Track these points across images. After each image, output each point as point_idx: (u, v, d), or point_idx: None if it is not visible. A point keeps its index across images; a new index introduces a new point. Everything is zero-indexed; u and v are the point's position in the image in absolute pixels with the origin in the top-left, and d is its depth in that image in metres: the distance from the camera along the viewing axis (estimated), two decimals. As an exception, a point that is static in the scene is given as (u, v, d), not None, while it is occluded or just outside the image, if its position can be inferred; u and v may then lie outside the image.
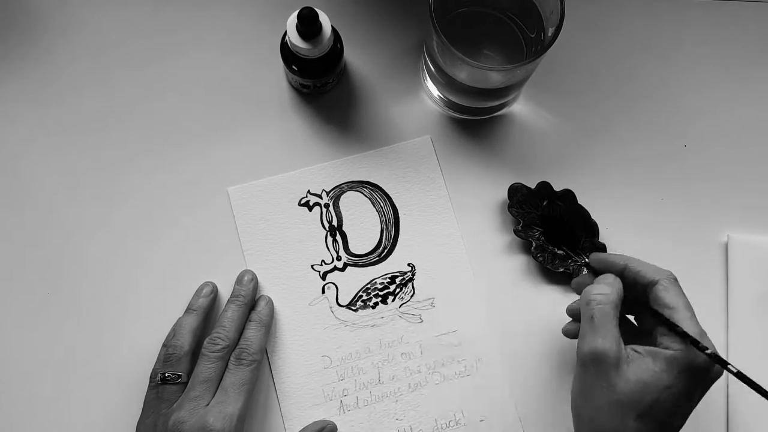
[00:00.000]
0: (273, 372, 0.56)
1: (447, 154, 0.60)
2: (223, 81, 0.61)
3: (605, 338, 0.45)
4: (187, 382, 0.52)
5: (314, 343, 0.57)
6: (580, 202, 0.59)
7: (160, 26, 0.61)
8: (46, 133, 0.60)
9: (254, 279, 0.57)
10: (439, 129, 0.61)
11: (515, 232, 0.58)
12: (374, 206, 0.59)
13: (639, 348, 0.46)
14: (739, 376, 0.44)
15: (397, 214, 0.59)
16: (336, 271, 0.58)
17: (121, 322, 0.57)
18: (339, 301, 0.58)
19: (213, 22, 0.62)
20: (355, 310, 0.58)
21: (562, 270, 0.58)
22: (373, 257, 0.59)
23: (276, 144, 0.60)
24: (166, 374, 0.52)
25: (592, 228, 0.58)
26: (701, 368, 0.45)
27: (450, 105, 0.60)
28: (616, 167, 0.60)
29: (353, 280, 0.58)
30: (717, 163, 0.61)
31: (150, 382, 0.53)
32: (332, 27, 0.54)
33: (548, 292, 0.58)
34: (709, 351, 0.44)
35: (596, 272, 0.52)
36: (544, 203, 0.59)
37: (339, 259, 0.58)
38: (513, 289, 0.58)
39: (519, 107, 0.61)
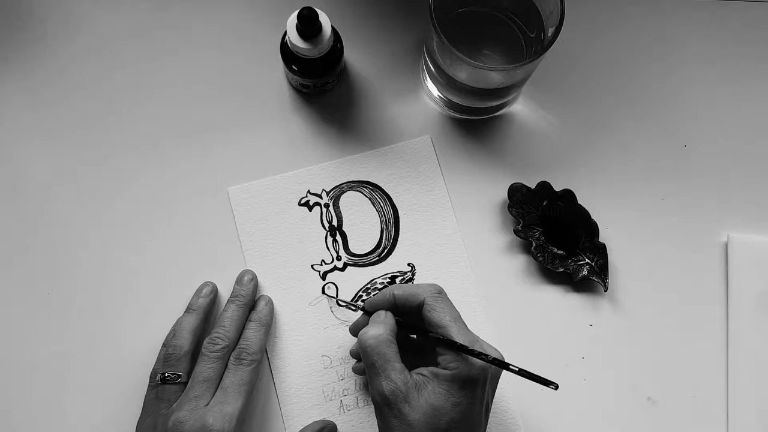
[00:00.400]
0: (273, 372, 0.56)
1: (447, 154, 0.60)
2: (223, 81, 0.61)
3: (389, 379, 0.46)
4: (186, 382, 0.52)
5: (314, 343, 0.57)
6: (580, 202, 0.59)
7: (159, 26, 0.61)
8: (46, 132, 0.60)
9: (254, 279, 0.57)
10: (439, 129, 0.61)
11: (515, 232, 0.58)
12: (374, 206, 0.59)
13: (424, 371, 0.47)
14: (521, 373, 0.46)
15: (397, 214, 0.59)
16: (336, 271, 0.58)
17: (121, 322, 0.57)
18: (339, 301, 0.58)
19: (213, 22, 0.62)
20: (355, 310, 0.58)
21: (562, 270, 0.58)
22: (373, 257, 0.59)
23: (276, 144, 0.60)
24: (166, 374, 0.52)
25: (592, 228, 0.58)
26: (478, 376, 0.46)
27: (450, 105, 0.60)
28: (617, 167, 0.60)
29: (353, 280, 0.58)
30: (717, 163, 0.61)
31: (150, 382, 0.53)
32: (332, 27, 0.54)
33: (548, 292, 0.58)
34: (486, 356, 0.46)
35: (371, 314, 0.52)
36: (544, 203, 0.59)
37: (339, 259, 0.58)
38: (513, 289, 0.58)
39: (519, 107, 0.61)
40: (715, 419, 0.57)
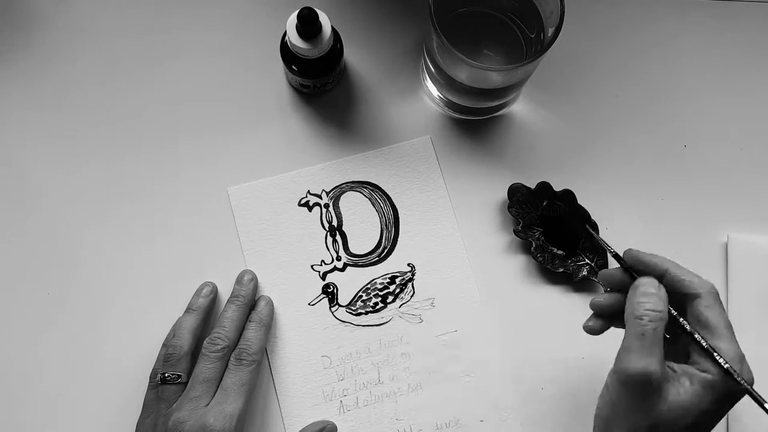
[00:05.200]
0: (273, 372, 0.56)
1: (447, 154, 0.60)
2: (223, 81, 0.61)
3: (654, 360, 0.42)
4: (186, 382, 0.52)
5: (314, 343, 0.57)
6: (580, 202, 0.59)
7: (160, 26, 0.61)
8: (46, 132, 0.60)
9: (254, 279, 0.57)
10: (439, 129, 0.61)
11: (515, 232, 0.58)
12: (374, 206, 0.59)
13: (675, 366, 0.44)
14: None
15: (397, 214, 0.59)
16: (336, 271, 0.58)
17: (121, 322, 0.57)
18: (339, 301, 0.58)
19: (213, 23, 0.62)
20: (354, 311, 0.58)
21: (562, 270, 0.58)
22: (373, 257, 0.59)
23: (276, 144, 0.60)
24: (166, 374, 0.52)
25: (592, 228, 0.58)
26: (738, 394, 0.43)
27: (450, 105, 0.60)
28: (616, 167, 0.60)
29: (353, 281, 0.58)
30: (717, 163, 0.61)
31: (150, 382, 0.53)
32: (332, 27, 0.54)
33: (548, 292, 0.58)
34: (744, 384, 0.42)
35: (628, 269, 0.48)
36: (544, 203, 0.59)
37: (339, 259, 0.58)
38: (513, 289, 0.58)
39: (519, 107, 0.61)
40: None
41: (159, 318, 0.56)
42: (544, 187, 0.59)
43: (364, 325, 0.57)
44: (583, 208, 0.59)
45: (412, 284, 0.58)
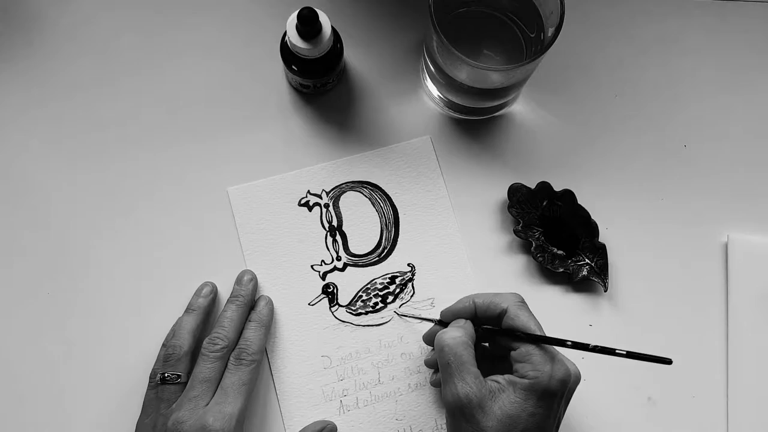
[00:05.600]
0: (273, 372, 0.56)
1: (447, 154, 0.60)
2: (223, 81, 0.61)
3: (465, 382, 0.46)
4: (186, 382, 0.52)
5: (314, 343, 0.57)
6: (580, 202, 0.59)
7: (159, 26, 0.61)
8: (46, 132, 0.60)
9: (254, 279, 0.57)
10: (439, 129, 0.61)
11: (515, 232, 0.58)
12: (374, 206, 0.59)
13: (499, 378, 0.47)
14: (630, 355, 0.45)
15: (397, 214, 0.59)
16: (336, 271, 0.58)
17: (121, 322, 0.57)
18: (339, 301, 0.58)
19: (213, 23, 0.62)
20: (354, 311, 0.58)
21: (562, 270, 0.58)
22: (373, 257, 0.59)
23: (276, 144, 0.60)
24: (166, 374, 0.52)
25: (592, 228, 0.58)
26: (557, 389, 0.46)
27: (450, 105, 0.60)
28: (616, 167, 0.60)
29: (353, 281, 0.58)
30: (717, 163, 0.61)
31: (149, 382, 0.53)
32: (332, 27, 0.54)
33: (548, 292, 0.58)
34: (586, 345, 0.46)
35: (446, 325, 0.52)
36: (544, 203, 0.59)
37: (339, 259, 0.58)
38: (513, 289, 0.58)
39: (519, 107, 0.61)
40: (715, 419, 0.57)
41: (159, 318, 0.56)
42: (544, 187, 0.59)
43: (364, 325, 0.57)
44: (583, 208, 0.59)
45: (412, 284, 0.58)
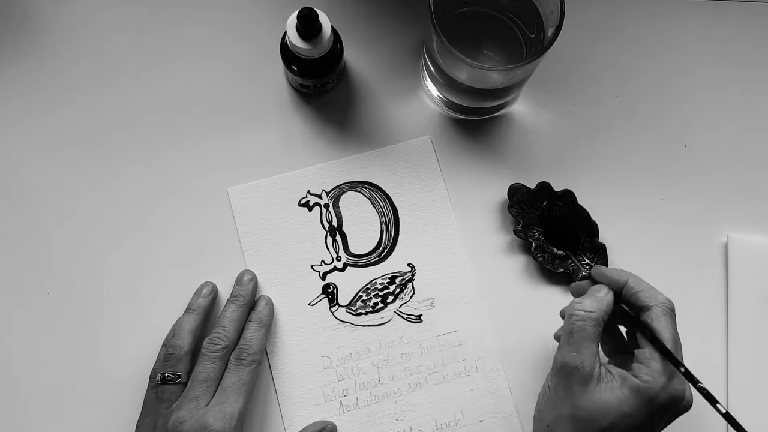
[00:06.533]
0: (273, 372, 0.56)
1: (447, 154, 0.60)
2: (223, 81, 0.61)
3: (579, 353, 0.46)
4: (186, 382, 0.52)
5: (314, 343, 0.57)
6: (580, 202, 0.59)
7: (159, 26, 0.61)
8: (46, 133, 0.60)
9: (254, 279, 0.57)
10: (439, 129, 0.61)
11: (515, 232, 0.58)
12: (374, 206, 0.59)
13: (612, 369, 0.46)
14: (727, 417, 0.44)
15: (397, 214, 0.59)
16: (336, 272, 0.58)
17: (121, 322, 0.57)
18: (339, 301, 0.58)
19: (213, 23, 0.62)
20: (354, 311, 0.58)
21: (562, 270, 0.58)
22: (373, 257, 0.59)
23: (276, 144, 0.60)
24: (166, 374, 0.52)
25: (592, 228, 0.58)
26: (666, 402, 0.45)
27: (450, 105, 0.60)
28: (616, 167, 0.60)
29: (353, 281, 0.58)
30: (717, 163, 0.61)
31: (150, 381, 0.53)
32: (332, 27, 0.54)
33: (548, 292, 0.58)
34: (698, 384, 0.44)
35: (595, 282, 0.51)
36: (544, 203, 0.59)
37: (339, 259, 0.58)
38: (513, 289, 0.58)
39: (519, 107, 0.61)
40: (716, 419, 0.57)
41: (159, 318, 0.56)
42: (544, 187, 0.59)
43: (364, 325, 0.57)
44: (583, 208, 0.59)
45: (412, 284, 0.58)
